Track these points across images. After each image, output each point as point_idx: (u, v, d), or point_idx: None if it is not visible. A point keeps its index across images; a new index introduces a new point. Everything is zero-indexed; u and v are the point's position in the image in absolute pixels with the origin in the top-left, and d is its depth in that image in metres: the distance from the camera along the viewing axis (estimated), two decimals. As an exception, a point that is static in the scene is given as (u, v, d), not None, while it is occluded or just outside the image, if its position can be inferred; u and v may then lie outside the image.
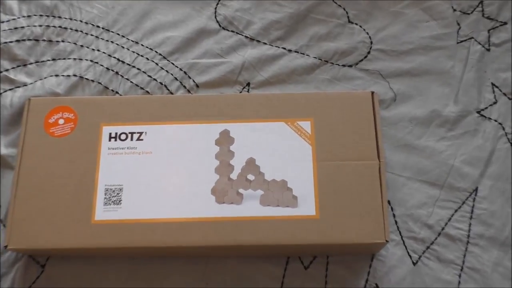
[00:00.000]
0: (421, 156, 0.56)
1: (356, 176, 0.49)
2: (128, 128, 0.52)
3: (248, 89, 0.59)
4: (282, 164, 0.50)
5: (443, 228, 0.54)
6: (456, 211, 0.55)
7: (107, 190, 0.50)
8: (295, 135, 0.51)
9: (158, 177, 0.50)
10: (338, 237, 0.48)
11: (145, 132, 0.52)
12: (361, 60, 0.61)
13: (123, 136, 0.52)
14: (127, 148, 0.51)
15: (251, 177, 0.49)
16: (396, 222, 0.55)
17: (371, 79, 0.60)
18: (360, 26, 0.63)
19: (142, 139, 0.52)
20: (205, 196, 0.49)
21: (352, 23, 0.63)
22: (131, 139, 0.52)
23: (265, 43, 0.61)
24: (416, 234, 0.54)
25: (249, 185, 0.49)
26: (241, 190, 0.49)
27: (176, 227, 0.48)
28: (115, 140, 0.52)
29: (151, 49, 0.62)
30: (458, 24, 0.63)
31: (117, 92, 0.60)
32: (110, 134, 0.52)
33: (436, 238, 0.54)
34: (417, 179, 0.56)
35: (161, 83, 0.60)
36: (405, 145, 0.57)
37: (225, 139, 0.51)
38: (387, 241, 0.47)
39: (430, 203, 0.55)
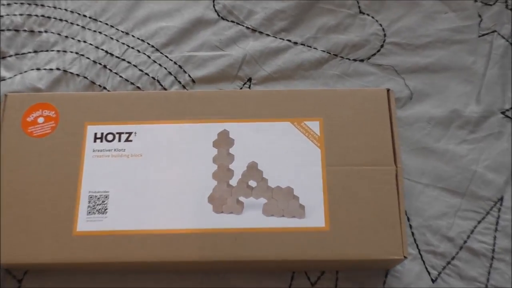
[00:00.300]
0: (440, 161, 0.53)
1: (370, 183, 0.46)
2: (115, 128, 0.48)
3: (250, 85, 0.56)
4: (287, 169, 0.46)
5: (465, 242, 0.51)
6: (479, 222, 0.51)
7: (91, 197, 0.46)
8: (302, 137, 0.48)
9: (149, 183, 0.46)
10: (350, 252, 0.44)
11: (135, 133, 0.48)
12: (374, 54, 0.57)
13: (110, 137, 0.48)
14: (114, 150, 0.48)
15: (252, 183, 0.46)
16: (413, 234, 0.51)
17: (384, 75, 0.56)
18: (373, 17, 0.59)
19: (131, 140, 0.48)
20: (202, 205, 0.45)
21: (363, 13, 0.59)
22: (119, 140, 0.48)
23: (268, 35, 0.58)
24: (435, 247, 0.50)
25: (251, 193, 0.46)
26: (241, 198, 0.46)
27: (169, 239, 0.44)
28: (101, 141, 0.48)
29: (142, 40, 0.58)
30: (480, 16, 0.59)
31: (104, 88, 0.56)
32: (96, 134, 0.48)
33: (457, 253, 0.50)
34: (435, 186, 0.53)
35: (153, 78, 0.56)
36: (422, 148, 0.54)
37: (224, 141, 0.47)
38: (405, 257, 0.43)
39: (451, 214, 0.51)
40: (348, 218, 0.45)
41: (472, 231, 0.51)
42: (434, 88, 0.56)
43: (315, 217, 0.45)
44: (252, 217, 0.45)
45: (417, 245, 0.51)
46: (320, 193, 0.46)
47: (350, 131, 0.47)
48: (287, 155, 0.47)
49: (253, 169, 0.46)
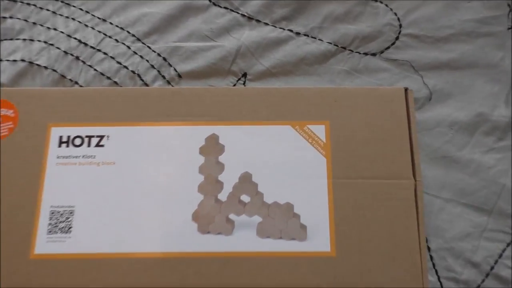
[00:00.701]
0: (463, 172, 0.49)
1: (384, 200, 0.41)
2: (85, 130, 0.43)
3: (244, 82, 0.52)
4: (287, 182, 0.42)
5: (492, 267, 0.46)
6: (508, 245, 0.47)
7: (53, 213, 0.41)
8: (305, 143, 0.43)
9: (122, 197, 0.41)
10: (360, 281, 0.40)
11: (108, 136, 0.43)
12: (388, 47, 0.53)
13: (77, 141, 0.43)
14: (83, 156, 0.43)
15: (245, 198, 0.42)
16: (431, 258, 0.47)
17: (400, 71, 0.52)
18: (386, 5, 0.55)
19: (103, 145, 0.43)
20: (185, 224, 0.41)
21: (376, 1, 0.55)
22: (89, 145, 0.43)
23: (266, 24, 0.54)
24: (457, 274, 0.46)
25: (243, 209, 0.42)
26: (232, 216, 0.42)
27: (145, 264, 0.40)
28: (67, 145, 0.43)
29: (122, 28, 0.54)
30: (509, 5, 0.55)
31: (76, 83, 0.51)
32: (61, 137, 0.43)
33: (483, 281, 0.46)
34: (458, 202, 0.48)
35: (133, 72, 0.52)
36: (442, 157, 0.49)
37: (212, 147, 0.42)
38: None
39: (476, 234, 0.47)
40: (358, 242, 0.40)
41: (500, 255, 0.47)
42: (457, 87, 0.52)
43: (319, 239, 0.40)
44: (244, 238, 0.41)
45: (436, 271, 0.46)
46: (326, 211, 0.41)
47: (361, 137, 0.43)
48: (287, 164, 0.42)
49: (246, 181, 0.42)
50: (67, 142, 0.43)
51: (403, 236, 0.40)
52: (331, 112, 0.44)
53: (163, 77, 0.52)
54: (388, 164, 0.42)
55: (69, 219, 0.41)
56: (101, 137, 0.43)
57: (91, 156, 0.42)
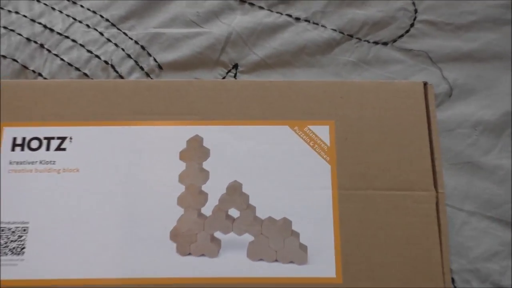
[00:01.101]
0: (489, 181, 0.45)
1: (400, 216, 0.37)
2: (43, 131, 0.39)
3: (235, 74, 0.48)
4: (284, 193, 0.37)
5: None
6: None
7: (3, 230, 0.36)
8: (306, 147, 0.38)
9: (87, 211, 0.36)
10: None
11: (70, 138, 0.39)
12: (401, 35, 0.50)
13: (34, 144, 0.38)
14: (40, 162, 0.38)
15: (234, 212, 0.37)
16: (453, 281, 0.42)
17: (415, 63, 0.49)
18: None
19: (64, 149, 0.38)
20: (161, 244, 0.36)
21: None
22: (48, 149, 0.38)
23: (261, 8, 0.50)
24: None
25: (231, 226, 0.37)
26: (218, 234, 0.37)
27: None
28: (22, 149, 0.38)
29: (94, 12, 0.49)
30: None
31: (40, 74, 0.47)
32: (15, 139, 0.39)
33: None
34: (484, 215, 0.44)
35: (106, 62, 0.48)
36: (465, 163, 0.46)
37: (195, 151, 0.38)
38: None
39: (504, 253, 0.43)
40: (369, 266, 0.36)
41: (534, 278, 0.43)
42: (481, 82, 0.48)
43: (323, 263, 0.36)
44: (233, 261, 0.36)
45: None
46: (330, 229, 0.37)
47: (373, 140, 0.39)
48: (284, 172, 0.38)
49: (235, 192, 0.37)
50: (22, 145, 0.38)
51: (422, 260, 0.36)
52: (336, 110, 0.39)
53: (141, 68, 0.48)
54: (405, 173, 0.38)
55: (22, 238, 0.36)
56: (63, 139, 0.39)
57: (51, 161, 0.38)
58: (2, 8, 0.49)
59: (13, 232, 0.35)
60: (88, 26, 0.48)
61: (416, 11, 0.50)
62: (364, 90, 0.40)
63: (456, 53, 0.49)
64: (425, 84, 0.40)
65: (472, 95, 0.48)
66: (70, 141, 0.38)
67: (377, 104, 0.39)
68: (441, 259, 0.35)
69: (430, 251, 0.36)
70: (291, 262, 0.36)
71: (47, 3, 0.49)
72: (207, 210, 0.37)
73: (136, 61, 0.47)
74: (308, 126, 0.39)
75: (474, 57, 0.49)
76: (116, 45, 0.48)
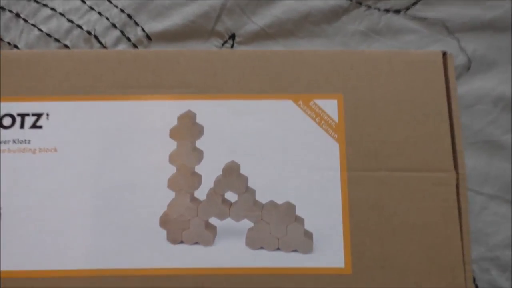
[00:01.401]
0: (511, 162, 0.43)
1: (416, 199, 0.34)
2: (17, 106, 0.35)
3: (232, 45, 0.45)
4: (286, 175, 0.34)
5: None
6: None
7: None
8: (311, 124, 0.36)
9: (66, 195, 0.33)
10: None
11: (47, 114, 0.36)
12: (415, 3, 0.47)
13: (7, 121, 0.35)
14: (14, 141, 0.35)
15: (231, 196, 0.35)
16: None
17: (430, 33, 0.46)
18: None
19: (40, 127, 0.35)
20: (150, 231, 0.33)
21: None
22: (22, 126, 0.35)
23: None
24: None
25: (228, 211, 0.34)
26: (213, 220, 0.35)
27: (95, 284, 0.32)
28: None
29: None
30: None
31: (16, 46, 0.44)
32: None
33: None
34: (504, 199, 0.42)
35: (89, 33, 0.44)
36: (485, 142, 0.43)
37: (187, 129, 0.35)
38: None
39: None
40: (381, 255, 0.33)
41: (559, 268, 0.40)
42: (503, 54, 0.46)
43: (330, 252, 0.33)
44: (230, 250, 0.33)
45: (476, 286, 0.39)
46: (338, 214, 0.34)
47: (386, 116, 0.36)
48: (287, 152, 0.35)
49: (233, 174, 0.34)
50: (-7, 122, 0.35)
51: (441, 247, 0.33)
52: (345, 83, 0.36)
53: (128, 39, 0.45)
54: (422, 152, 0.35)
55: (-7, 226, 0.33)
56: (39, 115, 0.35)
57: (25, 141, 0.35)
58: (-26, -27, 0.45)
59: (-17, 219, 0.33)
60: (68, -8, 0.45)
61: (431, -25, 0.47)
62: (376, 61, 0.37)
63: (475, 22, 0.46)
64: (444, 53, 0.37)
65: (492, 68, 0.45)
66: (47, 118, 0.35)
67: (390, 76, 0.36)
68: (462, 246, 0.33)
69: (450, 239, 0.33)
70: (295, 250, 0.33)
71: (23, -32, 0.46)
72: (201, 193, 0.34)
73: (122, 31, 0.44)
74: (314, 100, 0.36)
75: (495, 26, 0.46)
76: (99, 13, 0.44)
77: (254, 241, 0.33)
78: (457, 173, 0.34)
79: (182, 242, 0.33)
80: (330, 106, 0.35)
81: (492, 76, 0.45)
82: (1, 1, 0.44)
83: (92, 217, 0.33)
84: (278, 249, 0.33)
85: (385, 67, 0.36)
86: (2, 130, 0.34)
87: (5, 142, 0.34)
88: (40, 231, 0.32)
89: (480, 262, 0.40)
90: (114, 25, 0.44)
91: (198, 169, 0.34)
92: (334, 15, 0.46)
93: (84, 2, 0.44)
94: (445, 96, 0.35)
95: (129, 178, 0.33)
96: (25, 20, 0.44)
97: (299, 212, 0.33)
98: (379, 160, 0.34)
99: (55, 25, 0.44)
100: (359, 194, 0.33)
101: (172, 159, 0.34)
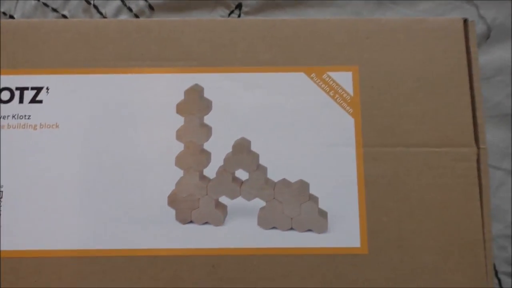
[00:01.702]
0: None
1: (435, 176, 0.32)
2: (15, 80, 0.33)
3: (239, 15, 0.42)
4: (299, 152, 0.33)
5: None
6: None
7: None
8: (325, 97, 0.33)
9: (69, 172, 0.32)
10: (401, 286, 0.31)
11: (47, 88, 0.34)
12: None
13: (5, 95, 0.33)
14: (13, 117, 0.33)
15: (242, 174, 0.33)
16: None
17: (447, 1, 0.43)
18: None
19: (41, 101, 0.33)
20: (158, 211, 0.32)
21: None
22: (21, 101, 0.33)
23: None
24: None
25: (239, 190, 0.33)
26: (223, 199, 0.33)
27: (103, 265, 0.31)
28: None
29: None
30: None
31: (11, 16, 0.42)
32: None
33: None
34: None
35: (88, 2, 0.42)
36: (505, 115, 0.41)
37: (195, 104, 0.33)
38: (490, 291, 0.31)
39: None
40: (399, 234, 0.31)
41: None
42: None
43: (345, 231, 0.32)
44: (241, 230, 0.32)
45: (494, 265, 0.38)
46: (354, 192, 0.32)
47: (403, 89, 0.33)
48: (300, 127, 0.33)
49: (243, 151, 0.32)
50: (-10, 97, 0.33)
51: (460, 225, 0.31)
52: (360, 54, 0.34)
53: (129, 9, 0.42)
54: (441, 126, 0.33)
55: (-6, 205, 0.31)
56: (38, 89, 0.33)
57: (25, 116, 0.33)
58: None
59: (-16, 198, 0.31)
60: (65, -41, 0.42)
61: None
62: (393, 30, 0.34)
63: (495, -12, 0.43)
64: (465, 21, 0.34)
65: (513, 37, 0.42)
66: (47, 92, 0.33)
67: (408, 45, 0.34)
68: (482, 224, 0.31)
69: (470, 217, 0.31)
70: (309, 230, 0.32)
71: None
72: (210, 171, 0.32)
73: (122, 1, 0.42)
74: (328, 72, 0.33)
75: (516, -8, 0.43)
76: (98, -19, 0.42)
77: (266, 221, 0.32)
78: (478, 148, 0.32)
79: (191, 222, 0.32)
80: (344, 79, 0.33)
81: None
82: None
83: (98, 196, 0.31)
84: (291, 228, 0.32)
85: (403, 36, 0.34)
86: (2, 105, 0.32)
87: (4, 117, 0.32)
88: (44, 210, 0.31)
89: (497, 240, 0.38)
90: (114, -6, 0.42)
91: (207, 146, 0.32)
92: (347, -19, 0.43)
93: (82, -31, 0.42)
94: (466, 67, 0.33)
95: (135, 156, 0.32)
96: (20, -11, 0.42)
97: (312, 190, 0.32)
98: (396, 135, 0.32)
99: (52, -6, 0.42)
100: (375, 171, 0.32)
101: (180, 135, 0.32)
